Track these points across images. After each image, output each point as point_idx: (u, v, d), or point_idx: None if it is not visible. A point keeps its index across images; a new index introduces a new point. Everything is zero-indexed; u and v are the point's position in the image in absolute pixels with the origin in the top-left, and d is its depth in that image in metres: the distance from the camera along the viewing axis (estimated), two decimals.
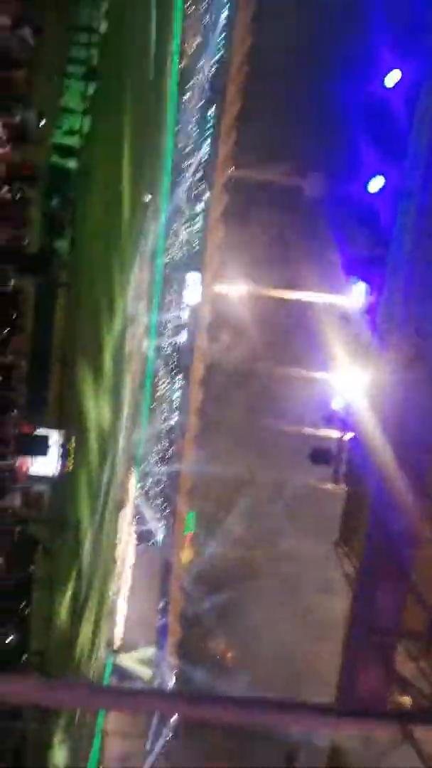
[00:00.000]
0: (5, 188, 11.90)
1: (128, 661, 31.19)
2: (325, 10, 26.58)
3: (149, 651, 31.71)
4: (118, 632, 31.19)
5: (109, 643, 30.35)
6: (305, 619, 28.84)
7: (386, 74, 19.79)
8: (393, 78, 19.80)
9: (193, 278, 32.62)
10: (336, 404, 21.16)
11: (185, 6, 29.60)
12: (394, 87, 19.63)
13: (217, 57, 30.86)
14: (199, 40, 31.16)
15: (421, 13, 19.46)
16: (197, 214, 32.48)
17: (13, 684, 14.05)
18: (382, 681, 17.85)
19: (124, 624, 31.52)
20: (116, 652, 30.70)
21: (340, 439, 21.04)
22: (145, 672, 31.48)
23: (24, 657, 16.90)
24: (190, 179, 32.23)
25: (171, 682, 31.63)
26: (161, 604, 32.35)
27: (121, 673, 30.68)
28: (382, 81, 19.79)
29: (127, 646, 31.40)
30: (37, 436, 15.89)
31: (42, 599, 18.42)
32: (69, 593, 21.25)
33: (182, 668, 31.70)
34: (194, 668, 30.94)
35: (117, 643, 31.03)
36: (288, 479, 28.55)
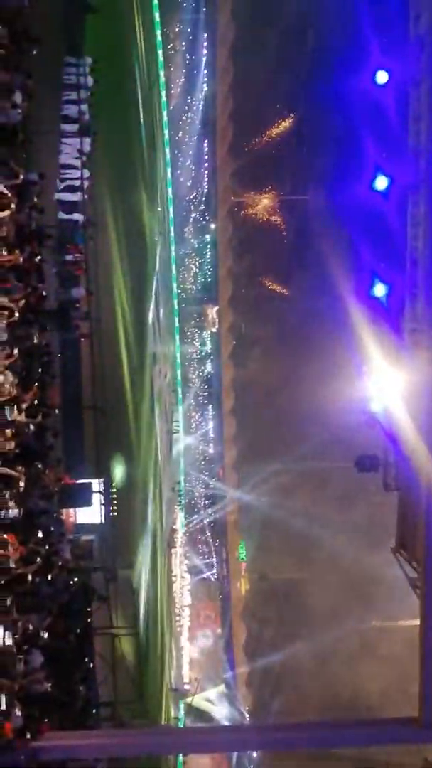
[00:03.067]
0: (17, 251, 12.17)
1: (200, 701, 30.68)
2: (300, 27, 27.03)
3: (219, 688, 31.18)
4: (186, 673, 30.77)
5: (179, 685, 29.93)
6: (374, 631, 28.13)
7: (374, 74, 19.83)
8: (382, 78, 19.83)
9: (210, 309, 32.91)
10: (375, 407, 20.75)
11: (166, 49, 30.37)
12: (384, 86, 19.63)
13: (203, 92, 31.56)
14: (183, 79, 31.94)
15: (398, 15, 19.62)
16: (206, 246, 32.90)
17: (87, 738, 13.90)
18: None
19: (190, 664, 31.09)
20: (186, 693, 30.24)
21: (385, 443, 20.62)
22: (219, 710, 30.91)
23: (94, 710, 16.68)
24: (194, 213, 32.73)
25: (246, 717, 30.97)
26: (224, 638, 31.90)
27: (194, 714, 30.18)
28: (373, 81, 19.79)
29: (196, 686, 30.92)
30: (78, 486, 15.96)
31: (104, 649, 18.28)
32: (130, 639, 21.09)
33: (255, 699, 31.05)
34: (267, 697, 30.28)
35: (186, 684, 30.59)
36: (336, 489, 28.11)
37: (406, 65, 19.57)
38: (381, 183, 20.29)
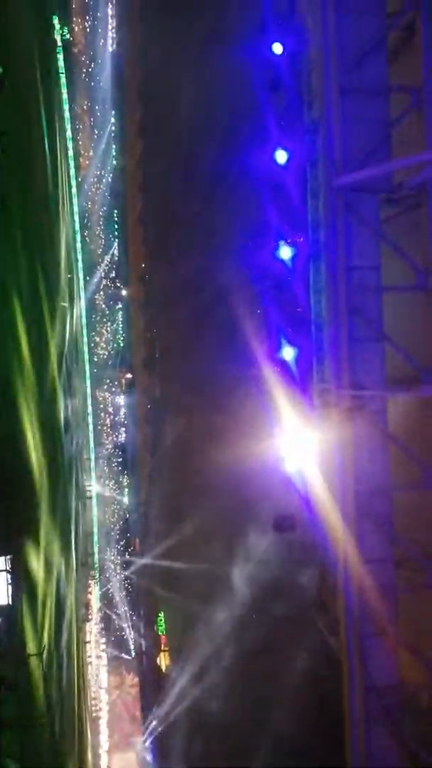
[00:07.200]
0: None
1: None
2: (204, 105, 28.52)
3: None
4: (104, 761, 28.71)
5: None
6: (300, 698, 27.53)
7: (274, 153, 21.10)
8: (281, 157, 21.12)
9: (122, 373, 32.80)
10: (289, 468, 21.10)
11: (75, 124, 31.15)
12: (284, 165, 20.91)
13: (112, 164, 32.47)
14: (91, 153, 32.79)
15: (294, 99, 21.18)
16: (117, 311, 33.09)
17: None
18: (391, 742, 17.02)
19: (109, 750, 29.09)
20: None
21: (300, 503, 20.86)
22: None
23: None
24: (105, 280, 33.00)
25: None
26: (146, 720, 30.18)
27: None
28: (273, 159, 21.04)
29: None
30: None
31: (13, 742, 16.77)
32: (43, 729, 19.48)
33: None
34: None
35: None
36: (256, 553, 27.83)
37: (303, 146, 21.06)
38: (284, 252, 21.35)
